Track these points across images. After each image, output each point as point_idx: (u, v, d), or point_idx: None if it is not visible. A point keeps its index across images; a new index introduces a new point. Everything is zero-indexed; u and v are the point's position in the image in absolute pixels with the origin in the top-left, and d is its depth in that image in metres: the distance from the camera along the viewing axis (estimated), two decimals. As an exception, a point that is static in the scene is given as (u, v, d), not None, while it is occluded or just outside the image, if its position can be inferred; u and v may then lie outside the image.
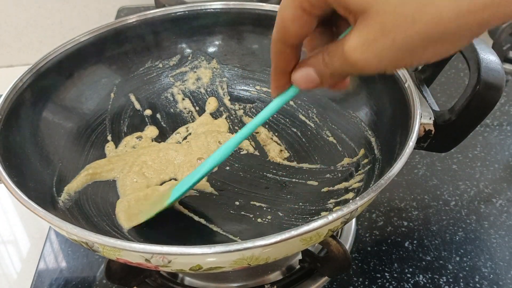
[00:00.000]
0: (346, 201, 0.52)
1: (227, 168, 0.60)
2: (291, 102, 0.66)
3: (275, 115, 0.65)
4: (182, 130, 0.65)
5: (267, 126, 0.65)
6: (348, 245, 0.57)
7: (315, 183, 0.56)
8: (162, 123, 0.66)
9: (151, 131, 0.64)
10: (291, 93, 0.39)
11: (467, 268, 0.54)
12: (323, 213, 0.52)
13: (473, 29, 0.27)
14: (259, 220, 0.53)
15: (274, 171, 0.59)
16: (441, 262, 0.55)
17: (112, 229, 0.51)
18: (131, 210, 0.53)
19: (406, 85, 0.51)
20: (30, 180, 0.49)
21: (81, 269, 0.56)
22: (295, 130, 0.64)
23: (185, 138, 0.64)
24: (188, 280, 0.54)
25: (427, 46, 0.28)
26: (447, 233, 0.58)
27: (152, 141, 0.63)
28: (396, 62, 0.29)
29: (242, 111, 0.67)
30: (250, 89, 0.69)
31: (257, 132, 0.64)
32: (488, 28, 0.27)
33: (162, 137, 0.64)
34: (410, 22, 0.27)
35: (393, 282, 0.53)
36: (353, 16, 0.30)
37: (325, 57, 0.33)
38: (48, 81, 0.58)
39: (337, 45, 0.31)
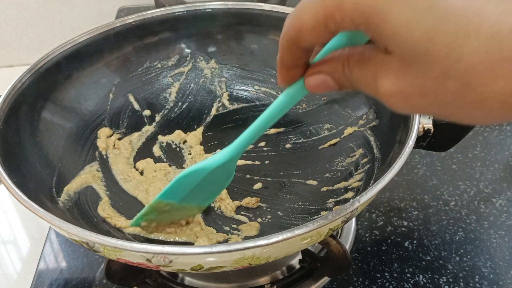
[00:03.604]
0: (345, 200, 0.52)
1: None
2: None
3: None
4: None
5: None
6: (348, 245, 0.57)
7: (315, 183, 0.56)
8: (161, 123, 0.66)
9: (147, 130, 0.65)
10: (300, 92, 0.33)
11: (467, 268, 0.54)
12: (323, 213, 0.52)
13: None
14: (259, 220, 0.53)
15: (274, 171, 0.59)
16: (441, 262, 0.55)
17: (113, 229, 0.51)
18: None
19: (405, 84, 0.51)
20: (29, 180, 0.49)
21: (81, 269, 0.56)
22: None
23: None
24: (188, 280, 0.54)
25: (466, 121, 0.26)
26: (447, 233, 0.58)
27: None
28: (432, 115, 0.28)
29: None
30: (249, 89, 0.69)
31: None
32: None
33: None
34: (450, 100, 0.25)
35: (393, 282, 0.53)
36: (392, 51, 0.26)
37: (346, 71, 0.29)
38: (47, 81, 0.58)
39: (366, 70, 0.28)
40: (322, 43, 0.30)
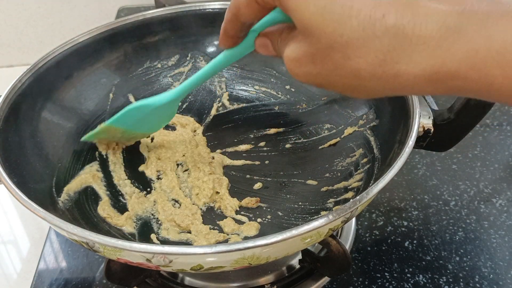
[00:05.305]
0: (345, 200, 0.52)
1: (227, 168, 0.60)
2: (291, 100, 0.66)
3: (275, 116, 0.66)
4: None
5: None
6: (348, 245, 0.57)
7: (315, 183, 0.56)
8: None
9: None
10: (236, 55, 0.42)
11: (467, 268, 0.54)
12: (323, 213, 0.52)
13: (386, 91, 0.30)
14: (259, 220, 0.53)
15: (274, 171, 0.59)
16: (441, 262, 0.55)
17: (113, 229, 0.51)
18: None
19: (405, 84, 0.51)
20: (29, 180, 0.49)
21: (81, 269, 0.56)
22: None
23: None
24: (188, 280, 0.54)
25: (345, 91, 0.32)
26: (447, 233, 0.58)
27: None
28: (319, 86, 0.33)
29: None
30: (249, 89, 0.69)
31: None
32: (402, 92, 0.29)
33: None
34: (334, 68, 0.30)
35: (393, 282, 0.53)
36: (296, 25, 0.31)
37: (278, 40, 0.35)
38: (47, 81, 0.58)
39: (285, 39, 0.34)
40: (259, 17, 0.36)
